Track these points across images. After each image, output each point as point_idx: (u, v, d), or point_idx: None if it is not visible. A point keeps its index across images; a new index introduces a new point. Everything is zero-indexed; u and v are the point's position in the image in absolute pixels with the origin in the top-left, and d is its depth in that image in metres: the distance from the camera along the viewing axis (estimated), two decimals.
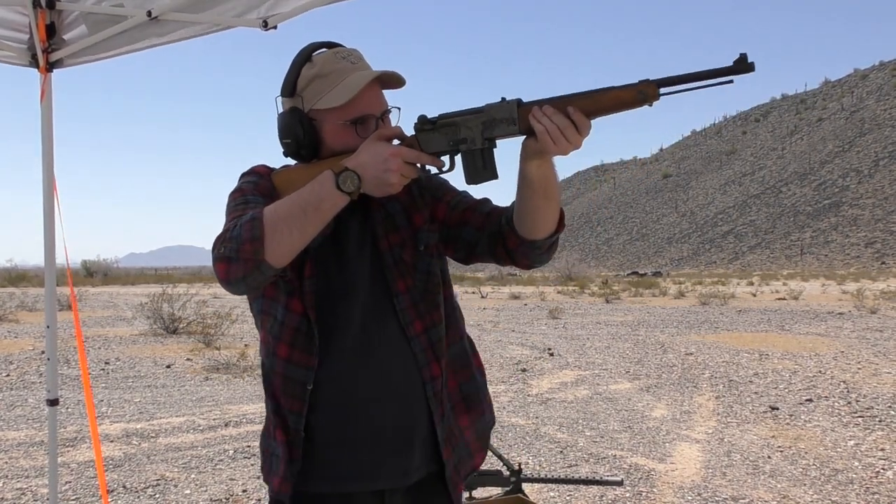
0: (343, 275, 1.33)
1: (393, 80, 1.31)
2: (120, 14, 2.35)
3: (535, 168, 1.24)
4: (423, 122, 1.27)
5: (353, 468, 1.31)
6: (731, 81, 1.11)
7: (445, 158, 1.29)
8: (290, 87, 1.31)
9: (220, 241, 1.19)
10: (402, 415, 1.32)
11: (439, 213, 1.42)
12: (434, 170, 1.30)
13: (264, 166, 1.41)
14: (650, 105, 1.13)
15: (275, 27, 2.13)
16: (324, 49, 1.32)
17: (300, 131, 1.29)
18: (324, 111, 1.29)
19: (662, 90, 1.12)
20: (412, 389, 1.33)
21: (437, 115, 1.27)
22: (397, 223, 1.38)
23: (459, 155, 1.27)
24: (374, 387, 1.30)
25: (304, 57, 1.31)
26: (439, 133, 1.25)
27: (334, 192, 1.18)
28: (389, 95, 1.36)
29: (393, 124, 1.34)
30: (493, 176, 1.25)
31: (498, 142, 1.26)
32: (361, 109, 1.28)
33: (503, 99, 1.22)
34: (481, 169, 1.25)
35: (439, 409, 1.35)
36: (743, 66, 1.07)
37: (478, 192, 1.41)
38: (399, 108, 1.34)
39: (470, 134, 1.23)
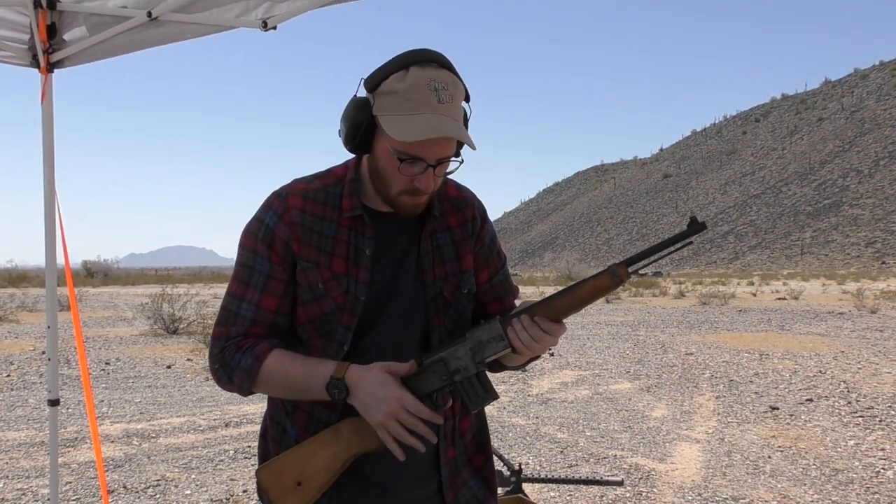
0: (381, 306, 1.30)
1: (466, 143, 1.21)
2: (120, 15, 2.36)
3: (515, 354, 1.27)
4: (407, 371, 1.24)
5: (358, 490, 1.31)
6: (690, 243, 1.21)
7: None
8: (373, 83, 1.21)
9: (219, 355, 1.29)
10: (414, 450, 1.30)
11: (479, 277, 1.40)
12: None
13: (280, 200, 1.29)
14: (623, 285, 1.24)
15: (274, 28, 2.13)
16: (430, 63, 1.18)
17: (358, 127, 1.22)
18: (384, 128, 1.20)
19: (631, 268, 1.22)
20: (428, 426, 1.31)
21: (420, 358, 1.25)
22: (444, 256, 1.35)
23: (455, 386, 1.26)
24: None
25: (401, 64, 1.18)
26: (428, 373, 1.24)
27: (322, 390, 1.22)
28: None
29: (449, 168, 1.26)
30: (494, 396, 1.25)
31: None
32: (416, 152, 1.19)
33: (481, 322, 1.26)
34: (482, 392, 1.25)
35: (448, 450, 1.35)
36: (696, 227, 1.19)
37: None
38: (462, 161, 1.26)
39: (461, 363, 1.24)
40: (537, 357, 1.36)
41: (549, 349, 1.27)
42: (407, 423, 1.18)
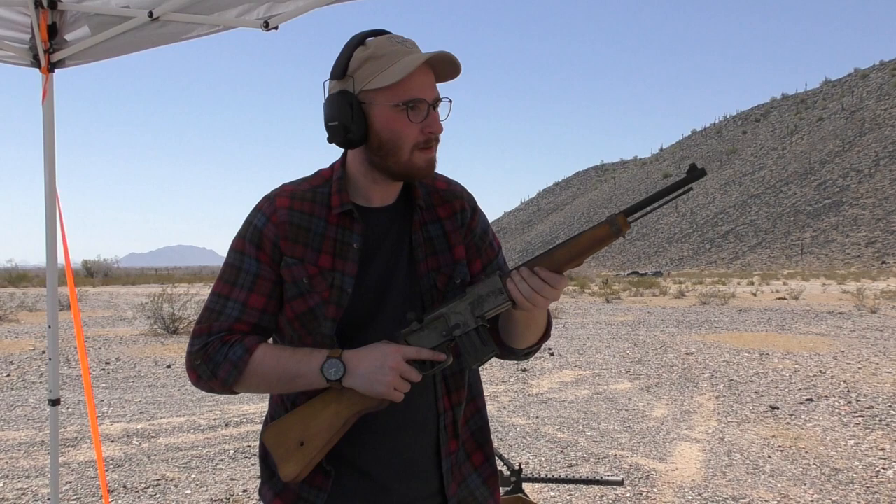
0: (376, 301, 1.30)
1: (448, 69, 1.26)
2: (121, 15, 2.36)
3: (521, 314, 1.27)
4: (409, 324, 1.25)
5: (358, 487, 1.31)
6: (690, 189, 1.18)
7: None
8: (340, 69, 1.25)
9: (201, 351, 1.26)
10: (414, 444, 1.31)
11: (471, 267, 1.40)
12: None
13: (268, 202, 1.31)
14: (623, 236, 1.21)
15: (276, 27, 2.13)
16: (379, 34, 1.28)
17: (348, 114, 1.23)
18: (375, 92, 1.23)
19: (630, 217, 1.19)
20: (427, 420, 1.32)
21: (421, 314, 1.26)
22: (436, 247, 1.35)
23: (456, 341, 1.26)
24: (394, 415, 1.28)
25: (358, 40, 1.25)
26: (429, 329, 1.25)
27: (316, 372, 1.21)
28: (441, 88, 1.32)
29: (442, 116, 1.29)
30: (493, 351, 1.26)
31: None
32: (414, 92, 1.22)
33: (482, 277, 1.27)
34: (481, 347, 1.25)
35: (448, 443, 1.35)
36: (696, 173, 1.17)
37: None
38: (451, 100, 1.28)
39: (461, 318, 1.24)
40: (546, 337, 1.37)
41: (550, 348, 1.23)
42: (412, 377, 1.20)
